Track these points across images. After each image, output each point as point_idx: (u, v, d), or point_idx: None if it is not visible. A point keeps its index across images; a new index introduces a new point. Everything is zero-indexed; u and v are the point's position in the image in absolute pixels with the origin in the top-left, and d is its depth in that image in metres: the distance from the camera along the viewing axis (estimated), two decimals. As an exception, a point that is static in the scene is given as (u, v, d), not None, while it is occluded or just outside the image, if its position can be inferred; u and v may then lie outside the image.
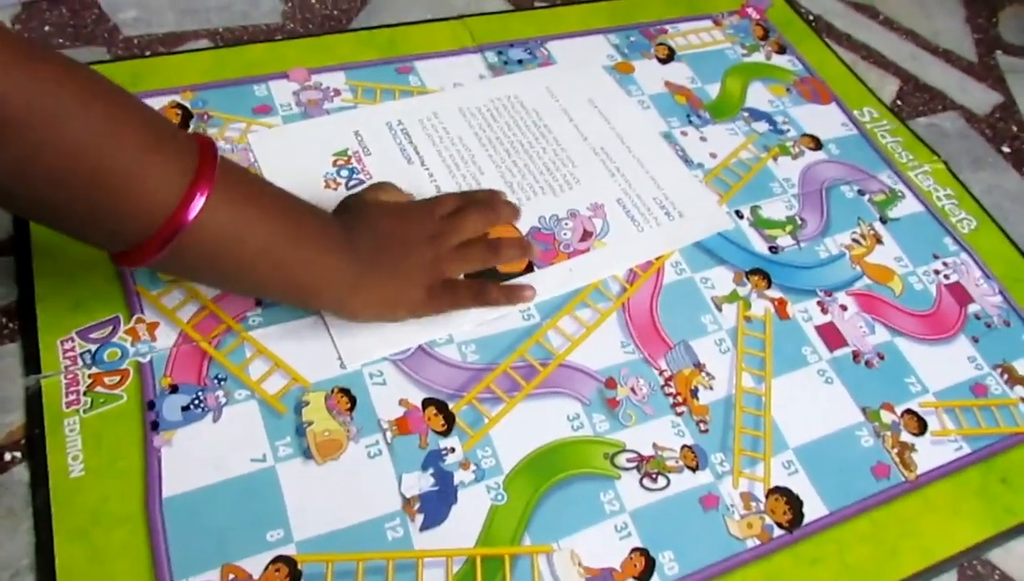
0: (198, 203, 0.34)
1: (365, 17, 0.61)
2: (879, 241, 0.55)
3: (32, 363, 0.40)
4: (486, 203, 0.47)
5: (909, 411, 0.47)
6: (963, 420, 0.47)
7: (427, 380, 0.43)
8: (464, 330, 0.45)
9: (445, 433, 0.41)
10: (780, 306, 0.50)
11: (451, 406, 0.42)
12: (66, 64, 0.32)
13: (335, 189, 0.50)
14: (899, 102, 0.66)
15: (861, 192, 0.58)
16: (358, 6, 0.62)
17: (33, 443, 0.38)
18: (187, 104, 0.52)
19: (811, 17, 0.72)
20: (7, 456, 0.38)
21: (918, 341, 0.50)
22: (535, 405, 0.43)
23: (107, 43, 0.55)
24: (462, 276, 0.45)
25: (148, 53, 0.55)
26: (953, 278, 0.54)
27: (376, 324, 0.44)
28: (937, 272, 0.54)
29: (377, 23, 0.61)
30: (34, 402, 0.39)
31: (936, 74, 0.70)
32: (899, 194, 0.58)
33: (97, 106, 0.32)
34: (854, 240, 0.55)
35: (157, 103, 0.51)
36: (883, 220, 0.56)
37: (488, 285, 0.45)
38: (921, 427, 0.47)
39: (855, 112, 0.63)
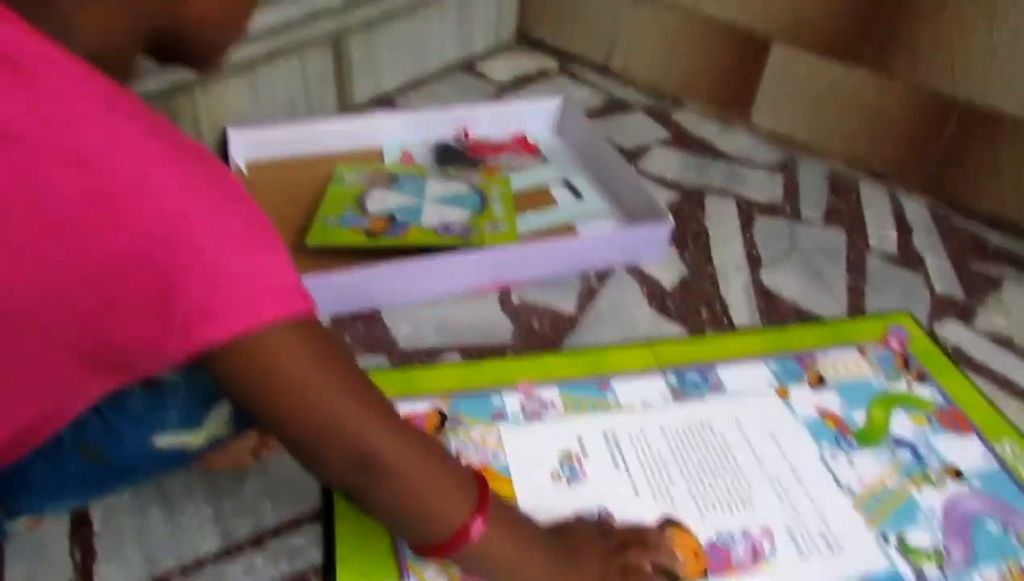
0: (478, 526, 0.50)
1: (573, 338, 0.79)
2: (1026, 578, 0.61)
3: (333, 615, 0.56)
4: (653, 543, 0.60)
5: None
6: None
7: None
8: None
9: None
10: (928, 635, 0.57)
11: None
12: (416, 428, 0.50)
13: (558, 480, 0.65)
14: (1039, 435, 0.74)
15: (1006, 527, 0.65)
16: (567, 329, 0.80)
17: None
18: (444, 409, 0.70)
19: (949, 348, 0.82)
20: None
21: None
22: None
23: (388, 353, 0.76)
24: None
25: (416, 363, 0.75)
26: (1104, 620, 0.59)
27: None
28: (1086, 613, 0.59)
29: (581, 343, 0.78)
30: (333, 648, 0.54)
31: (1077, 407, 0.77)
32: (1043, 532, 0.64)
33: (424, 459, 0.49)
34: (1003, 578, 0.61)
35: (422, 406, 0.70)
36: (1029, 557, 0.62)
37: None
38: None
39: (995, 445, 0.71)
